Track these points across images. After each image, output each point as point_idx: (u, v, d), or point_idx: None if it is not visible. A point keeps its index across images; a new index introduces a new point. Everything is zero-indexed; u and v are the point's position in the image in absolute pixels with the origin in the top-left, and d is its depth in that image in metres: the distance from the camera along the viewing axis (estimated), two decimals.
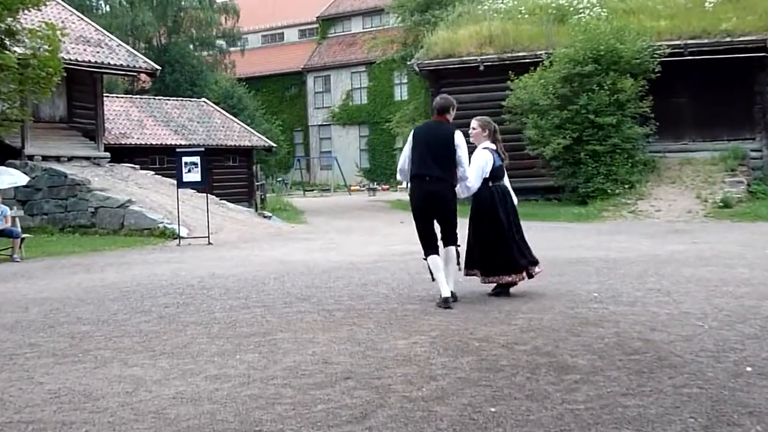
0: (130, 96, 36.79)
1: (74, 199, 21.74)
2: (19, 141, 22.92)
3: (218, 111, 35.98)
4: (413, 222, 8.10)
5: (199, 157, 19.00)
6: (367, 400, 4.75)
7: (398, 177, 8.35)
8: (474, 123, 8.54)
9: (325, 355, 5.97)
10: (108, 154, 26.39)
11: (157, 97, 36.18)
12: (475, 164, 8.17)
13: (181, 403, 4.84)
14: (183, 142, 30.12)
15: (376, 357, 5.86)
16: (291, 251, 15.57)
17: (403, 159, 8.03)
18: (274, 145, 37.16)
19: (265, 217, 26.64)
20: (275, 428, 4.30)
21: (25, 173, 21.17)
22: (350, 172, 53.38)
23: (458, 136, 7.92)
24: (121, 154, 28.40)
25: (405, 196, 38.60)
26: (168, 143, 30.51)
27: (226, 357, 6.08)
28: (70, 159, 24.43)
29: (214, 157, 30.18)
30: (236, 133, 34.48)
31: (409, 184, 8.14)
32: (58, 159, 23.95)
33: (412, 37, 35.08)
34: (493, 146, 8.48)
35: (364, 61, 53.89)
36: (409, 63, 30.95)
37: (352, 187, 50.11)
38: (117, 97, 34.15)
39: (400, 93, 54.07)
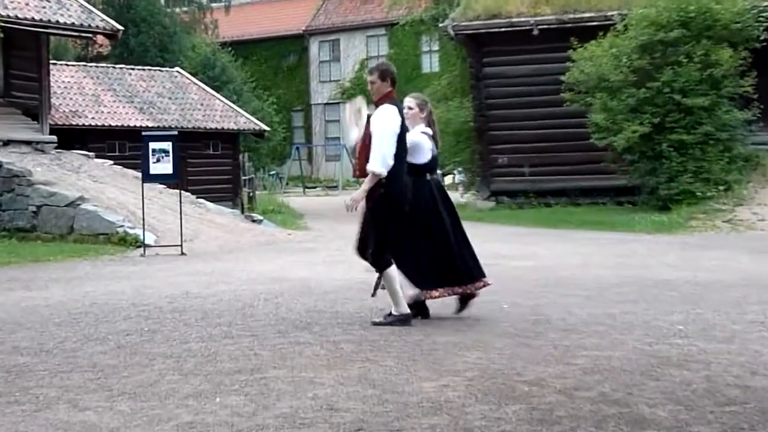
0: (84, 64, 36.84)
1: (10, 195, 21.83)
2: None
3: (196, 84, 36.13)
4: (384, 223, 8.59)
5: (170, 143, 18.99)
6: None
7: (384, 169, 8.45)
8: (410, 102, 9.01)
9: (330, 400, 5.97)
10: (54, 138, 26.35)
11: (118, 66, 36.48)
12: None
13: None
14: (151, 124, 30.28)
15: (396, 403, 5.86)
16: (287, 265, 15.65)
17: (390, 142, 8.46)
18: (267, 128, 37.30)
19: (254, 221, 26.70)
20: None
21: None
22: None
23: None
24: (72, 137, 28.55)
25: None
26: (131, 125, 30.73)
27: (204, 400, 6.09)
28: (6, 144, 24.54)
29: (189, 143, 30.25)
30: (218, 112, 34.66)
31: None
32: None
33: None
34: (430, 131, 9.05)
35: (383, 21, 54.12)
36: (441, 25, 31.03)
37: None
38: (67, 65, 34.24)
39: (430, 63, 54.20)
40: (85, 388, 6.54)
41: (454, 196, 37.34)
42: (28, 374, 7.07)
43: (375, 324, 8.57)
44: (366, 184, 8.33)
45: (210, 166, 33.74)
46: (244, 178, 35.70)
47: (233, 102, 38.29)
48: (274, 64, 60.18)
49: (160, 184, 23.34)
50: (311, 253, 18.36)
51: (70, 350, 8.02)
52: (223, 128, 34.34)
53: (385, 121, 8.32)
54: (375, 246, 8.47)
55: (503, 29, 28.44)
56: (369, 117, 8.43)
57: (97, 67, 35.79)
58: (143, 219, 19.72)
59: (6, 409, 5.95)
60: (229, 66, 47.87)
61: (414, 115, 8.90)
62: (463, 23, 28.81)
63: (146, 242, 19.19)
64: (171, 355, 7.66)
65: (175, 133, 20.24)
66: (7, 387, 6.61)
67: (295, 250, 19.08)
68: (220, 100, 35.94)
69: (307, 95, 59.83)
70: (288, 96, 58.90)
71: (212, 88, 38.39)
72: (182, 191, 21.12)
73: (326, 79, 59.19)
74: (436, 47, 51.92)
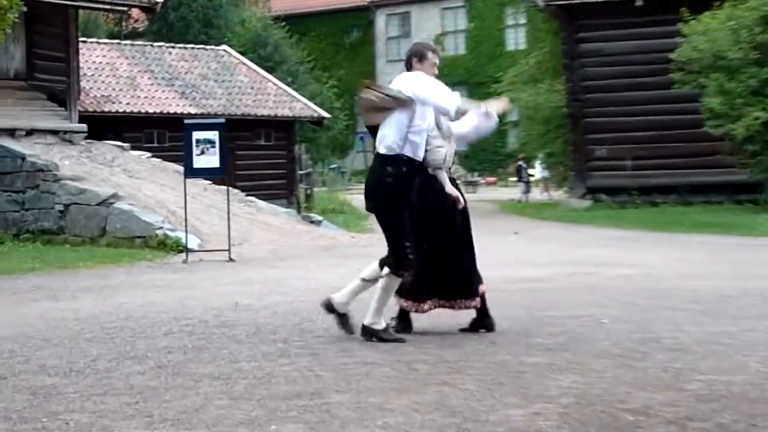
0: (117, 42, 37.19)
1: (34, 192, 22.22)
2: None
3: (245, 65, 36.34)
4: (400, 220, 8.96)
5: (217, 133, 19.08)
6: None
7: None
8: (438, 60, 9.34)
9: (401, 429, 5.94)
10: (84, 127, 26.62)
11: (156, 44, 36.69)
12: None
13: None
14: (194, 111, 30.58)
15: None
16: (350, 274, 14.60)
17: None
18: (327, 115, 37.42)
19: (312, 222, 26.91)
20: None
21: None
22: None
23: None
24: (104, 126, 28.91)
25: (516, 193, 38.68)
26: (172, 111, 31.18)
27: (257, 428, 6.05)
28: (29, 133, 24.92)
29: (238, 132, 30.56)
30: (271, 97, 34.80)
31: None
32: (11, 133, 24.44)
33: None
34: None
35: None
36: None
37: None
38: (98, 43, 34.61)
39: (515, 40, 54.39)
40: (121, 413, 6.52)
41: (535, 195, 37.32)
42: (57, 397, 7.03)
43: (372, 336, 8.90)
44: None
45: (261, 159, 33.82)
46: (300, 172, 35.96)
47: (288, 85, 38.46)
48: (335, 41, 60.80)
49: (205, 179, 23.57)
50: (376, 259, 18.24)
51: (103, 370, 8.01)
52: (276, 115, 34.39)
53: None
54: (391, 244, 8.99)
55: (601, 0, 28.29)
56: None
57: (132, 45, 36.17)
58: (185, 220, 19.73)
59: None
60: (283, 43, 48.32)
61: None
62: None
63: (189, 246, 19.30)
64: (219, 377, 7.62)
65: (222, 121, 20.35)
66: (33, 412, 6.58)
67: (360, 256, 18.09)
68: (272, 82, 36.20)
69: (372, 77, 59.60)
70: (351, 77, 58.49)
71: (264, 68, 38.67)
72: (230, 188, 21.21)
73: (395, 58, 58.90)
74: (522, 21, 52.01)
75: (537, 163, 43.75)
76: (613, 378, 7.27)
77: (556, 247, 20.03)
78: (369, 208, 9.30)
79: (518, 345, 8.68)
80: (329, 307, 9.10)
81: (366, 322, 8.85)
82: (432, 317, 9.73)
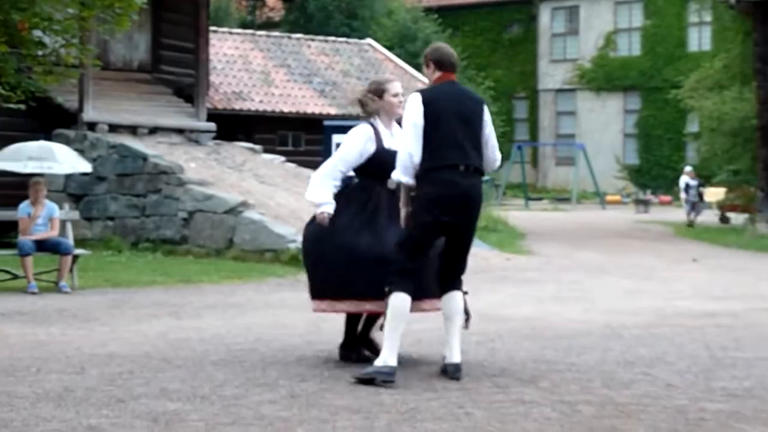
0: (251, 33, 37.82)
1: (156, 197, 22.63)
2: (75, 100, 24.02)
3: (392, 61, 36.67)
4: (420, 232, 8.96)
5: None
6: None
7: (399, 175, 8.90)
8: (400, 87, 9.62)
9: None
10: (212, 126, 27.05)
11: (293, 36, 37.38)
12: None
13: None
14: (334, 111, 30.83)
15: None
16: (505, 300, 15.75)
17: (415, 142, 8.79)
18: None
19: None
20: None
21: (81, 151, 22.13)
22: (606, 170, 53.31)
23: (486, 107, 9.25)
24: (234, 125, 29.48)
25: (682, 215, 38.01)
26: (309, 111, 31.38)
27: None
28: (152, 131, 25.45)
29: None
30: None
31: (421, 179, 8.85)
32: (133, 130, 25.02)
33: None
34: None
35: None
36: None
37: (608, 197, 50.06)
38: (230, 33, 35.22)
39: (699, 40, 53.89)
40: None
41: (707, 216, 36.44)
42: (179, 425, 7.17)
43: (358, 380, 8.64)
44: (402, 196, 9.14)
45: None
46: None
47: None
48: (492, 37, 60.81)
49: None
50: (537, 284, 18.45)
51: (230, 397, 8.14)
52: None
53: (407, 113, 8.91)
54: (399, 260, 8.90)
55: None
56: None
57: (267, 36, 36.75)
58: None
59: None
60: (435, 38, 47.15)
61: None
62: None
63: None
64: (358, 410, 7.66)
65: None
66: None
67: (516, 281, 19.13)
68: (421, 81, 35.20)
69: (534, 78, 60.13)
70: (509, 79, 59.12)
71: (413, 65, 38.50)
72: None
73: (560, 58, 59.38)
74: (708, 18, 51.28)
75: (686, 175, 43.08)
76: None
77: (742, 279, 19.67)
78: (469, 224, 9.10)
79: (697, 389, 8.60)
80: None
81: (381, 361, 8.77)
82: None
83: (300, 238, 19.79)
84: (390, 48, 39.80)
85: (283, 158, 28.12)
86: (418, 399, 8.07)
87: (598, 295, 16.74)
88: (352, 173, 9.48)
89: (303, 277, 17.74)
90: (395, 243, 8.85)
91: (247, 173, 25.20)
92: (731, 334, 11.94)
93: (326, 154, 18.96)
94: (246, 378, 8.91)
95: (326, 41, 36.96)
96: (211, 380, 8.81)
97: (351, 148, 9.26)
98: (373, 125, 9.27)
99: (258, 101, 31.53)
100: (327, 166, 9.40)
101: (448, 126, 8.77)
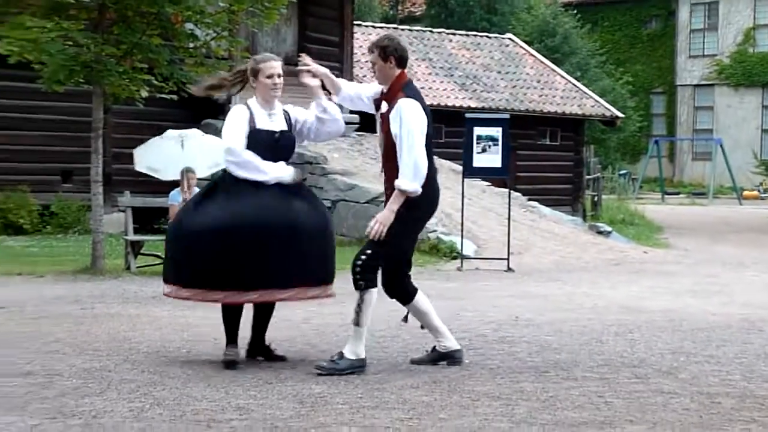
0: (394, 26, 36.86)
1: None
2: (224, 92, 23.16)
3: (532, 55, 35.34)
4: (409, 234, 8.29)
5: (500, 130, 18.25)
6: None
7: (416, 186, 7.73)
8: (277, 68, 8.20)
9: None
10: (356, 118, 25.50)
11: (435, 30, 35.94)
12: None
13: None
14: (474, 104, 29.94)
15: None
16: (643, 292, 15.04)
17: (424, 150, 7.76)
18: (621, 115, 35.56)
19: (599, 232, 25.79)
20: None
21: None
22: (743, 166, 51.09)
23: None
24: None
25: None
26: (450, 104, 30.17)
27: None
28: None
29: (521, 130, 29.10)
30: (559, 92, 33.44)
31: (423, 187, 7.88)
32: None
33: None
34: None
35: None
36: None
37: (744, 192, 48.39)
38: (373, 26, 34.32)
39: None
40: (393, 429, 6.38)
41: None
42: (324, 407, 6.90)
43: (320, 371, 7.72)
44: (394, 203, 7.69)
45: (546, 160, 32.41)
46: (588, 177, 34.78)
47: (577, 79, 37.08)
48: (631, 33, 58.66)
49: (484, 180, 23.39)
50: (674, 277, 17.48)
51: (374, 381, 7.79)
52: (564, 113, 32.64)
53: (417, 119, 7.67)
54: (389, 264, 7.97)
55: None
56: (389, 113, 7.73)
57: (409, 30, 35.49)
58: (462, 224, 19.00)
59: None
60: (574, 33, 46.91)
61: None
62: None
63: (464, 253, 18.70)
64: (499, 396, 7.34)
65: (506, 116, 19.75)
66: (301, 421, 6.50)
67: (654, 273, 18.19)
68: (561, 76, 34.63)
69: (672, 74, 57.92)
70: (647, 74, 57.56)
71: (552, 60, 37.33)
72: (511, 191, 20.43)
73: (698, 54, 57.06)
74: None
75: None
76: None
77: None
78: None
79: None
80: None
81: (351, 353, 7.87)
82: None
83: (440, 229, 20.32)
84: (530, 43, 39.32)
85: None
86: (558, 387, 7.70)
87: (736, 288, 15.84)
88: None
89: (443, 267, 18.66)
90: (368, 245, 7.88)
91: None
92: None
93: (468, 146, 18.61)
94: (389, 363, 8.65)
95: (467, 35, 35.33)
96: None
97: (231, 128, 7.81)
98: (247, 105, 7.90)
99: None
100: (234, 151, 7.80)
101: (431, 130, 7.86)
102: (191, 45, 17.23)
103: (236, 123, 7.84)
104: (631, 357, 9.08)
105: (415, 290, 8.13)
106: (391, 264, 7.96)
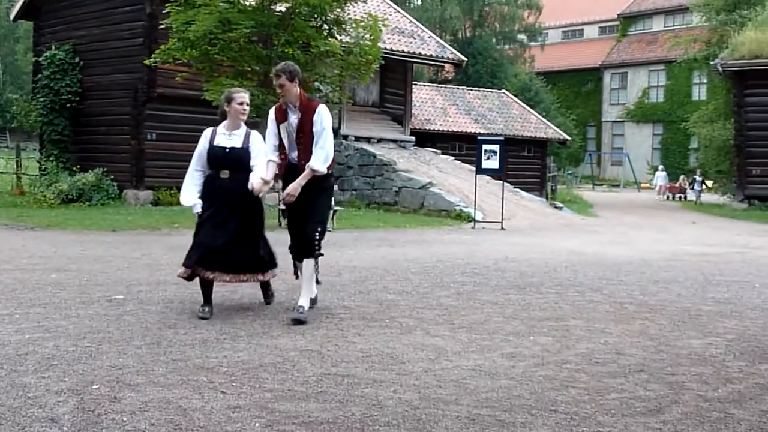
0: (436, 85, 37.61)
1: (381, 178, 22.94)
2: (336, 122, 24.41)
3: (517, 102, 36.11)
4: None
5: (498, 146, 18.91)
6: (660, 395, 4.68)
7: (325, 167, 6.73)
8: (246, 98, 6.93)
9: (617, 346, 5.86)
10: (413, 138, 27.31)
11: (459, 87, 36.78)
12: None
13: (479, 376, 4.97)
14: (482, 131, 30.63)
15: (670, 353, 5.71)
16: (582, 242, 15.46)
17: (332, 140, 6.85)
18: (568, 138, 36.94)
19: (556, 207, 26.61)
20: (570, 410, 4.32)
21: (338, 152, 22.81)
22: (641, 169, 52.34)
23: None
24: (425, 138, 29.48)
25: (691, 196, 36.62)
26: (468, 131, 31.11)
27: (521, 337, 6.07)
28: (379, 141, 25.75)
29: (510, 146, 29.42)
30: (533, 124, 34.44)
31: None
32: (368, 140, 25.37)
33: (717, 37, 34.16)
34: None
35: (663, 59, 53.23)
36: (712, 63, 30.28)
37: (642, 185, 49.13)
38: (424, 85, 35.12)
39: (699, 93, 52.62)
40: (435, 321, 6.58)
41: (707, 197, 35.32)
42: (394, 307, 7.14)
43: (296, 322, 6.42)
44: (304, 179, 6.59)
45: (524, 164, 33.26)
46: (549, 174, 35.45)
47: (544, 117, 38.09)
48: (575, 90, 59.67)
49: (488, 176, 23.20)
50: (600, 234, 18.04)
51: (423, 293, 8.05)
52: (535, 137, 33.81)
53: (329, 120, 6.81)
54: (323, 229, 6.79)
55: (764, 67, 27.47)
56: (302, 115, 6.74)
57: (445, 87, 36.38)
58: (474, 201, 19.87)
59: (380, 331, 6.17)
60: (542, 90, 48.65)
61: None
62: (730, 62, 28.27)
63: (476, 218, 19.22)
64: (496, 302, 7.59)
65: (502, 138, 20.15)
66: (380, 315, 6.76)
67: (587, 232, 18.81)
68: (534, 115, 35.79)
69: (599, 114, 59.29)
70: (584, 114, 58.48)
71: (529, 106, 38.45)
72: (504, 182, 21.01)
73: (615, 103, 58.40)
74: (704, 80, 50.34)
75: (660, 172, 42.69)
76: (764, 323, 7.04)
77: (722, 234, 19.18)
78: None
79: (696, 297, 8.39)
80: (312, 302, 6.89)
81: (307, 301, 6.66)
82: None
83: (462, 204, 20.79)
84: (516, 95, 39.93)
85: (452, 158, 28.00)
86: (531, 297, 7.98)
87: (637, 240, 16.36)
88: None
89: (463, 226, 18.64)
90: (319, 221, 6.75)
91: (432, 166, 25.05)
92: (716, 266, 11.57)
93: (479, 155, 19.08)
94: (431, 282, 8.81)
95: (479, 90, 36.40)
96: (412, 283, 8.74)
97: (197, 150, 6.84)
98: (215, 127, 6.87)
99: (439, 124, 31.23)
100: (189, 169, 6.87)
101: None
102: (317, 96, 16.83)
103: (200, 144, 6.82)
104: (574, 280, 9.33)
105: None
106: (323, 227, 6.79)
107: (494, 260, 11.38)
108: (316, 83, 17.14)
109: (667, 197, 39.41)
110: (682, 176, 42.13)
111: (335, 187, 19.32)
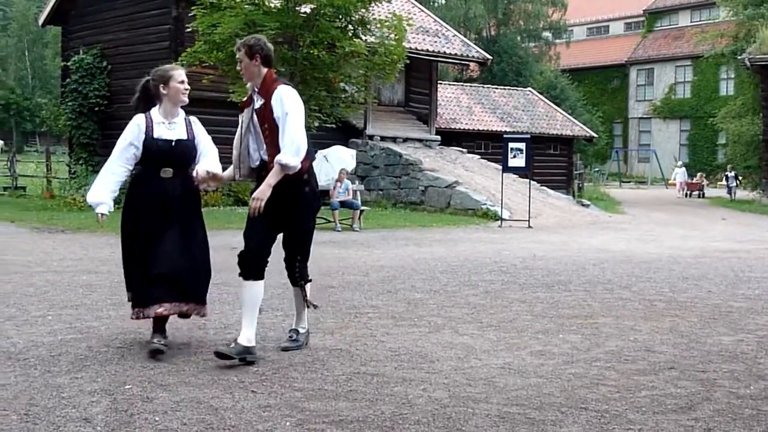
0: (461, 84, 37.66)
1: (407, 178, 23.00)
2: (362, 122, 24.78)
3: (542, 100, 36.19)
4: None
5: (524, 144, 19.01)
6: (692, 392, 4.67)
7: (297, 160, 5.24)
8: (185, 75, 5.73)
9: (647, 344, 5.87)
10: (438, 138, 27.40)
11: (485, 86, 36.80)
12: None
13: (508, 374, 4.99)
14: (508, 129, 30.67)
15: (700, 350, 5.72)
16: (609, 240, 15.53)
17: (302, 127, 5.35)
18: (595, 135, 36.99)
19: (583, 205, 26.64)
20: (600, 408, 4.33)
21: (364, 152, 23.18)
22: (668, 166, 51.95)
23: None
24: (450, 137, 29.61)
25: (725, 193, 37.00)
26: (494, 129, 31.20)
27: (550, 335, 6.10)
28: (405, 140, 25.84)
29: (536, 144, 29.44)
30: (558, 122, 34.50)
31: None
32: (394, 140, 25.46)
33: (744, 31, 33.90)
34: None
35: (690, 54, 52.83)
36: (739, 57, 30.06)
37: (669, 181, 48.96)
38: (449, 84, 35.18)
39: (726, 88, 52.27)
40: (463, 319, 6.63)
41: (740, 194, 35.18)
42: (423, 306, 7.21)
43: (285, 350, 5.48)
44: (272, 178, 5.21)
45: (550, 162, 33.24)
46: (575, 172, 35.44)
47: (570, 114, 38.08)
48: (601, 87, 59.42)
49: (514, 174, 23.19)
50: (627, 231, 18.07)
51: (450, 291, 8.10)
52: (561, 134, 33.81)
53: (294, 102, 5.34)
54: (307, 252, 5.57)
55: None
56: (263, 103, 5.37)
57: (470, 86, 36.41)
58: (501, 199, 19.85)
59: (408, 330, 6.22)
60: (567, 87, 48.38)
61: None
62: (758, 56, 28.06)
63: (503, 216, 19.27)
64: (524, 301, 7.62)
65: (528, 136, 20.25)
66: (408, 313, 6.84)
67: (615, 229, 18.80)
68: (560, 113, 35.79)
69: (625, 111, 59.04)
70: (611, 111, 58.23)
71: (554, 104, 38.40)
72: (530, 180, 21.11)
73: (641, 99, 58.13)
74: (732, 75, 50.01)
75: (678, 168, 42.42)
76: None
77: (753, 230, 19.13)
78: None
79: (727, 294, 8.41)
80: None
81: (303, 328, 5.68)
82: None
83: (489, 203, 20.53)
84: (541, 93, 39.64)
85: (478, 156, 27.97)
86: (560, 295, 7.97)
87: (664, 238, 16.36)
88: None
89: (490, 225, 18.47)
90: (300, 251, 5.50)
91: (458, 165, 25.08)
92: (746, 263, 11.61)
93: (505, 154, 19.18)
94: (459, 281, 8.85)
95: (504, 89, 36.32)
96: (440, 282, 8.78)
97: (121, 141, 5.60)
98: (146, 115, 5.57)
99: (464, 123, 31.25)
100: (107, 163, 5.69)
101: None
102: (343, 96, 17.86)
103: (121, 139, 5.61)
104: (602, 278, 9.36)
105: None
106: (307, 250, 5.53)
107: (522, 258, 11.45)
108: (342, 83, 17.31)
109: (685, 194, 39.20)
110: (699, 173, 41.96)
111: (361, 187, 19.44)
